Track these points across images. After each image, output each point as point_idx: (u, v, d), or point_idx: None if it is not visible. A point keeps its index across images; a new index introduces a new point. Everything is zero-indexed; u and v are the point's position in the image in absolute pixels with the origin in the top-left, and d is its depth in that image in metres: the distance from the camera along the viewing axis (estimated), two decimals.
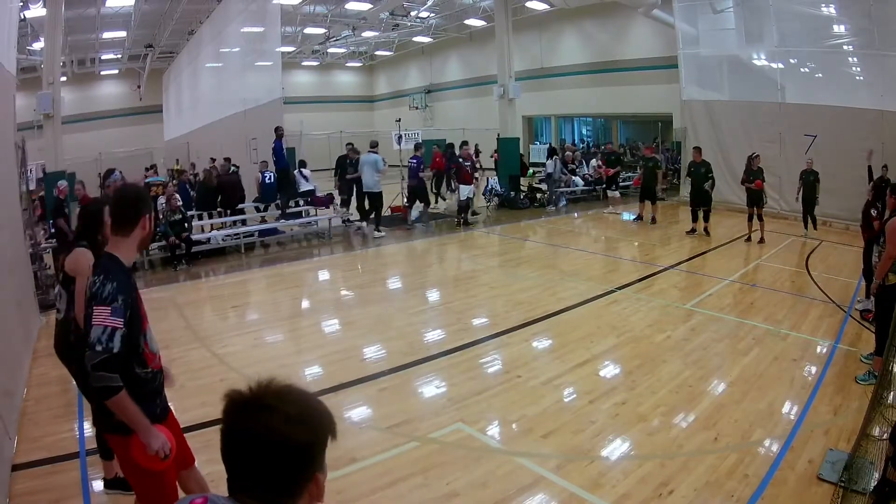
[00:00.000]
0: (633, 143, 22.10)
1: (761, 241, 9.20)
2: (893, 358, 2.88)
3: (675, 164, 15.91)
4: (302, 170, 11.32)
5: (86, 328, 1.85)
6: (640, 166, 11.91)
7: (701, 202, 9.90)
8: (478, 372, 4.56)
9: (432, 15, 20.28)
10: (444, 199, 14.20)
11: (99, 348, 1.77)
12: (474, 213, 11.81)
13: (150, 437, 1.90)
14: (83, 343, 1.84)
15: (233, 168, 11.25)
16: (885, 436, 2.74)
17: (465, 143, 11.93)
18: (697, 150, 10.30)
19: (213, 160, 12.37)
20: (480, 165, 13.58)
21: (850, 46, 10.82)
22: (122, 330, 1.82)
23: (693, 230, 10.01)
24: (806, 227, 9.72)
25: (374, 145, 10.75)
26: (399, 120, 12.77)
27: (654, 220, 11.15)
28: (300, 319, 6.22)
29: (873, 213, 5.64)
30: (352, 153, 11.02)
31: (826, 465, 3.07)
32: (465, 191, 11.26)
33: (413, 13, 19.41)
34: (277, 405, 0.88)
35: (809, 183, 9.38)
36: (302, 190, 11.18)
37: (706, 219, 9.87)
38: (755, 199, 9.19)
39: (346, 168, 10.99)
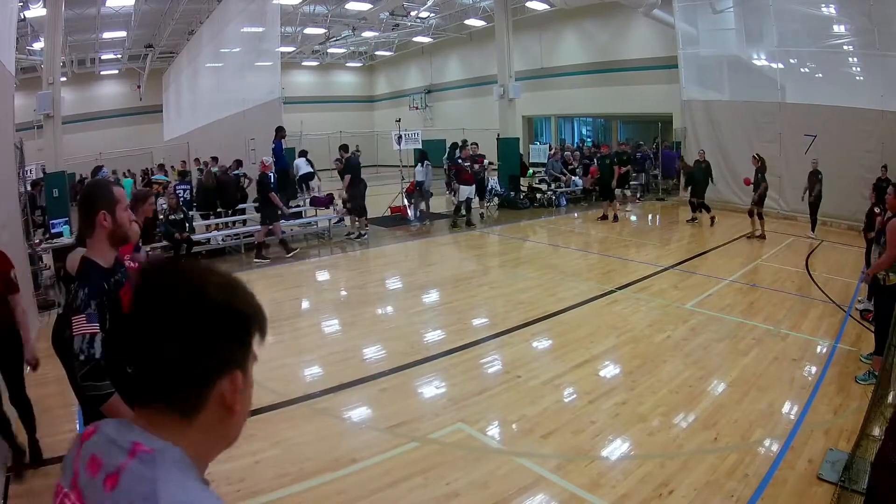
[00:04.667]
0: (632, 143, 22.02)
1: (761, 236, 9.41)
2: (893, 358, 2.88)
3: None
4: (302, 158, 11.31)
5: (70, 339, 1.87)
6: (597, 164, 11.95)
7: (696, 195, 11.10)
8: (478, 372, 4.56)
9: (432, 15, 20.27)
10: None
11: (82, 357, 1.79)
12: (464, 216, 11.55)
13: None
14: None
15: (241, 172, 11.18)
16: (883, 435, 2.74)
17: (465, 143, 11.92)
18: (701, 152, 11.55)
19: (216, 159, 12.30)
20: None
21: (851, 46, 10.81)
22: (100, 334, 1.83)
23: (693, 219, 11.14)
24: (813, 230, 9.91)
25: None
26: (399, 120, 12.75)
27: (615, 219, 11.37)
28: (300, 319, 6.21)
29: (877, 210, 5.62)
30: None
31: (826, 465, 3.07)
32: (464, 191, 11.23)
33: (413, 13, 19.39)
34: (203, 269, 0.78)
35: (813, 183, 9.56)
36: (302, 173, 11.11)
37: (707, 209, 10.85)
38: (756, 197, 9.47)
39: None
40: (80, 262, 2.00)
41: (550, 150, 15.26)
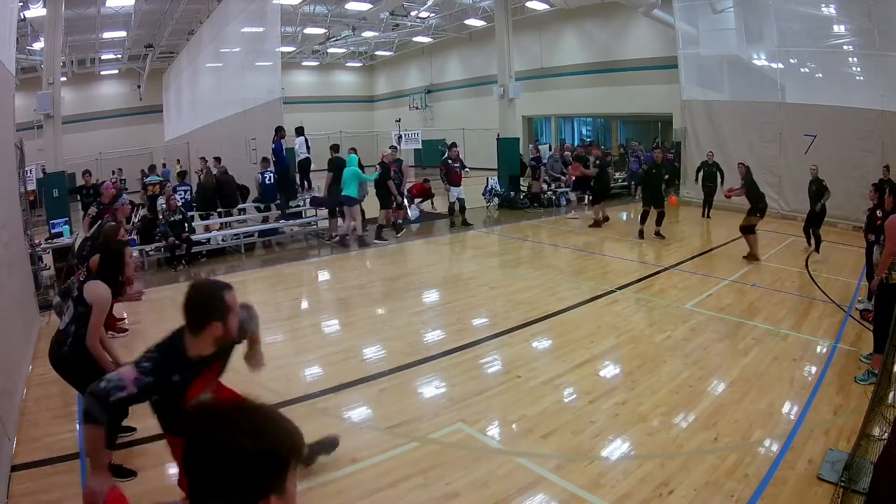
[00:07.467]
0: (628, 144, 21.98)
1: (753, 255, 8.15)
2: (893, 357, 2.88)
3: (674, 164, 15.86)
4: (301, 136, 11.16)
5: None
6: (597, 168, 11.37)
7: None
8: (478, 372, 4.56)
9: (432, 15, 20.25)
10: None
11: (103, 385, 1.82)
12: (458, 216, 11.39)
13: (96, 481, 1.88)
14: (74, 357, 1.83)
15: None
16: (884, 435, 2.74)
17: (454, 144, 11.78)
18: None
19: (219, 159, 12.28)
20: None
21: (850, 46, 10.81)
22: (131, 398, 1.85)
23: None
24: (809, 243, 8.68)
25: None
26: (399, 120, 12.79)
27: (606, 219, 11.02)
28: (300, 319, 6.21)
29: (879, 213, 5.60)
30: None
31: (826, 465, 3.07)
32: (454, 192, 11.16)
33: (413, 13, 19.39)
34: (234, 416, 0.91)
35: (811, 193, 8.42)
36: (303, 157, 11.03)
37: (657, 222, 9.62)
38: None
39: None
40: (174, 335, 1.99)
41: (550, 149, 15.25)
